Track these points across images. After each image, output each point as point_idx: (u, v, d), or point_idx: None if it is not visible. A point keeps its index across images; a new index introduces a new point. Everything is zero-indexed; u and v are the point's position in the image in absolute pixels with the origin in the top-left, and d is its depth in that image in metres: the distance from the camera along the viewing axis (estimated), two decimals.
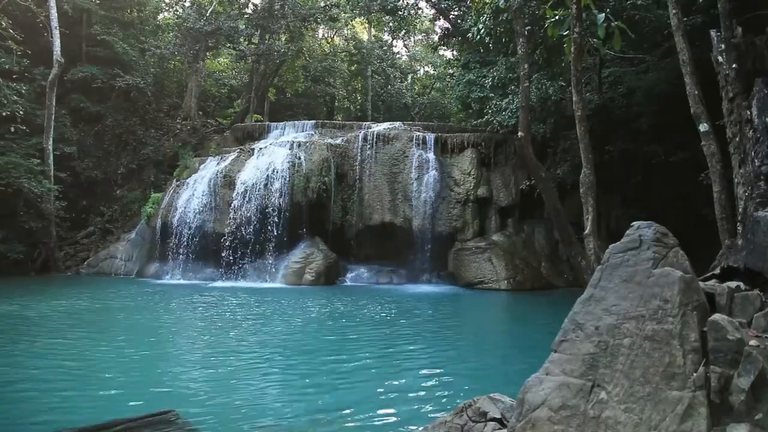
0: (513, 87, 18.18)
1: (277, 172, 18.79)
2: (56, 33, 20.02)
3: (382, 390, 6.16)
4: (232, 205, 18.47)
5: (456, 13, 25.11)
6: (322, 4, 30.43)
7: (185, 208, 18.97)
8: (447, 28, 26.13)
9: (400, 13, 29.51)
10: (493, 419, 3.51)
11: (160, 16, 30.84)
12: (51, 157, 19.63)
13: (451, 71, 31.25)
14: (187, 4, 29.42)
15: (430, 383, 6.60)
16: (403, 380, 6.68)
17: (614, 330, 2.81)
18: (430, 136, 20.72)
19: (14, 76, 19.35)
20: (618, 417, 2.60)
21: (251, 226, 18.25)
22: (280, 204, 18.45)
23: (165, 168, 23.30)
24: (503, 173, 20.40)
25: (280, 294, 15.00)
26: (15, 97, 18.65)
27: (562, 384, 2.79)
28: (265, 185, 18.62)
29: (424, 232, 19.30)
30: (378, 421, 5.13)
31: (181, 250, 18.60)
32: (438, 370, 7.29)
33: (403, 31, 36.33)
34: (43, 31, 21.68)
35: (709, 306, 2.95)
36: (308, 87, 32.81)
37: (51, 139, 19.74)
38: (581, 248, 13.26)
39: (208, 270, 18.38)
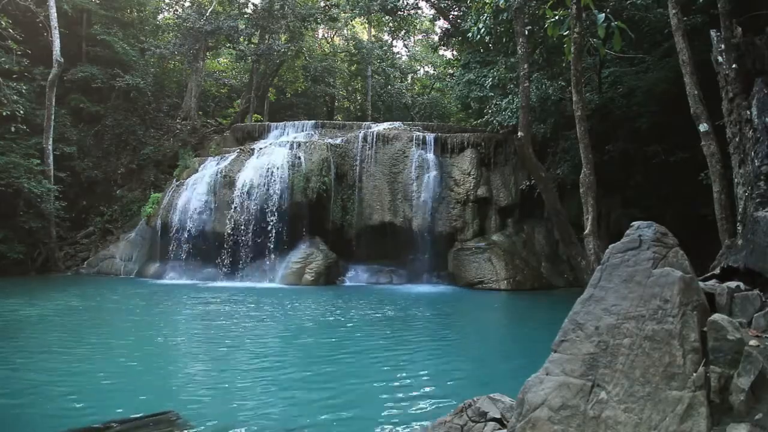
0: (513, 87, 18.18)
1: (276, 172, 18.78)
2: (56, 33, 20.01)
3: (382, 390, 6.16)
4: (232, 205, 18.48)
5: (456, 13, 25.10)
6: (322, 4, 30.44)
7: (185, 208, 18.97)
8: (447, 28, 26.11)
9: (400, 13, 29.53)
10: (493, 419, 3.51)
11: (160, 16, 30.86)
12: (51, 157, 19.63)
13: (451, 71, 31.25)
14: (187, 4, 29.43)
15: (430, 383, 6.60)
16: (403, 380, 6.68)
17: (614, 330, 2.81)
18: (430, 136, 20.72)
19: (14, 76, 19.35)
20: (618, 417, 2.60)
21: (251, 226, 18.25)
22: (280, 204, 18.44)
23: (165, 168, 23.31)
24: (503, 173, 20.40)
25: (279, 294, 15.01)
26: (15, 97, 18.65)
27: (562, 384, 2.79)
28: (265, 185, 18.62)
29: (423, 232, 19.31)
30: (378, 421, 5.12)
31: (181, 250, 18.60)
32: (438, 370, 7.29)
33: (403, 31, 36.32)
34: (43, 31, 21.67)
35: (709, 306, 2.95)
36: (308, 87, 32.82)
37: (51, 139, 19.74)
38: (581, 248, 13.26)
39: (208, 270, 18.37)
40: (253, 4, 29.09)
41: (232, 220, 18.32)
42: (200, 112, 27.60)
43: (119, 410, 5.12)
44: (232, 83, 33.12)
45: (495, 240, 19.17)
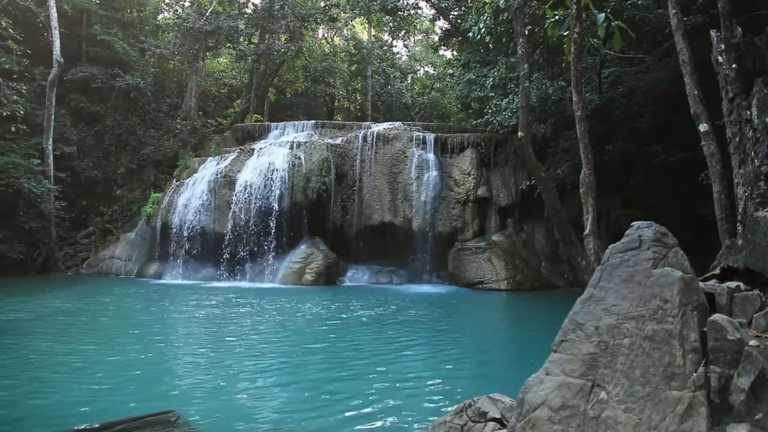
0: (513, 87, 18.17)
1: (276, 172, 18.79)
2: (56, 33, 20.02)
3: (382, 390, 6.16)
4: (232, 205, 18.48)
5: (456, 13, 25.10)
6: (322, 4, 30.44)
7: (185, 208, 18.97)
8: (447, 29, 26.11)
9: (400, 13, 29.49)
10: (493, 419, 3.51)
11: (160, 16, 30.87)
12: (51, 157, 19.64)
13: (451, 71, 31.22)
14: (187, 4, 29.43)
15: (430, 383, 6.60)
16: (404, 380, 6.68)
17: (614, 330, 2.80)
18: (430, 136, 20.72)
19: (14, 76, 19.36)
20: (618, 417, 2.59)
21: (251, 226, 18.26)
22: (280, 204, 18.44)
23: (165, 168, 23.31)
24: (503, 173, 20.40)
25: (279, 294, 15.00)
26: (15, 97, 18.65)
27: (562, 384, 2.79)
28: (265, 185, 18.62)
29: (424, 232, 19.30)
30: (378, 421, 5.12)
31: (180, 250, 18.60)
32: (438, 370, 7.29)
33: (403, 31, 36.30)
34: (43, 31, 21.68)
35: (709, 306, 2.95)
36: (308, 87, 32.82)
37: (51, 139, 19.74)
38: (581, 248, 13.25)
39: (208, 270, 18.38)
40: (253, 4, 29.10)
41: (232, 220, 18.32)
42: (200, 112, 27.60)
43: (119, 410, 5.11)
44: (232, 83, 33.11)
45: (495, 240, 19.17)
